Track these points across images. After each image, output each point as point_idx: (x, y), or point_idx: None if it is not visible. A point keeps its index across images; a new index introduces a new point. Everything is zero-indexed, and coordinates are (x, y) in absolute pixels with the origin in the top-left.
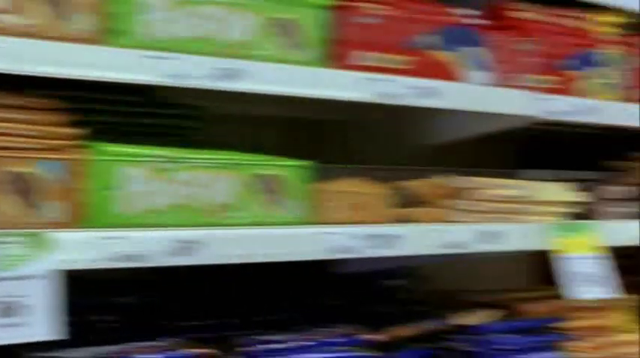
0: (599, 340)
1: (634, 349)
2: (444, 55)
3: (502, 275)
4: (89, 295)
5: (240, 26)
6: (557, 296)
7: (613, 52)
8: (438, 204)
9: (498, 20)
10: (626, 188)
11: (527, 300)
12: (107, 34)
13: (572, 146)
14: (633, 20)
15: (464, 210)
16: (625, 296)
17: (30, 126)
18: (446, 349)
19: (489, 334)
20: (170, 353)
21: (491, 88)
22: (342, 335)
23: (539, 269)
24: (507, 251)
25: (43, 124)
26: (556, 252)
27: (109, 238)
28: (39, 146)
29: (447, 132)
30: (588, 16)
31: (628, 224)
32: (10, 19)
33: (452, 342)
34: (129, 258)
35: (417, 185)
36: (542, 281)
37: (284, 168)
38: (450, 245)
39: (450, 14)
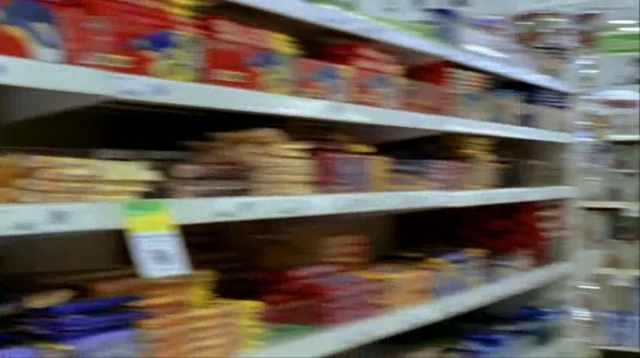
0: (175, 316)
1: (207, 323)
2: (11, 30)
3: (85, 255)
4: None
5: None
6: (134, 275)
7: (187, 33)
8: (6, 184)
9: None
10: (202, 167)
11: (103, 280)
12: None
13: (154, 126)
14: (207, 3)
15: (33, 190)
16: (199, 272)
17: None
18: (18, 333)
19: (60, 316)
20: None
21: (62, 66)
22: None
23: (121, 248)
24: (80, 231)
25: None
26: (129, 230)
27: None
28: None
29: (19, 110)
30: None
31: (203, 202)
32: None
33: (23, 325)
34: None
35: None
36: (124, 261)
37: None
38: (18, 226)
39: None
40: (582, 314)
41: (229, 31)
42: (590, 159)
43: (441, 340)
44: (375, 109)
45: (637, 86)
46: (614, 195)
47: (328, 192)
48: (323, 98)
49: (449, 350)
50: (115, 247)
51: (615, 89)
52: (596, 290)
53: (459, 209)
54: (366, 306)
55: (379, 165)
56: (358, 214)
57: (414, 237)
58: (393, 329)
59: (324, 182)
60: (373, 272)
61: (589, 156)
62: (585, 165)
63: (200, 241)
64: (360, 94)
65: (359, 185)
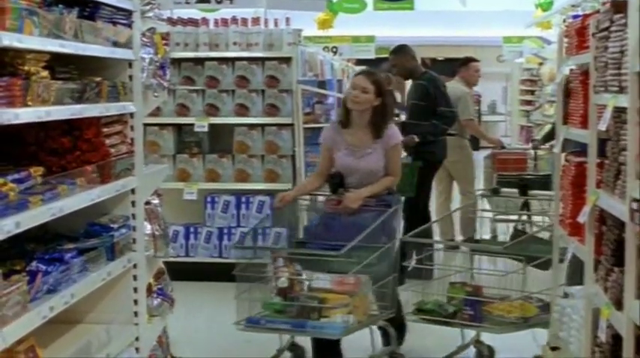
0: None
1: None
2: None
3: None
4: None
5: None
6: None
7: None
8: None
9: None
10: None
11: None
12: None
13: None
14: None
15: None
16: None
17: None
18: None
19: None
20: None
21: None
22: None
23: None
24: None
25: None
26: None
27: None
28: None
29: None
30: None
31: None
32: None
33: None
34: None
35: None
36: None
37: None
38: None
39: None
40: (150, 227)
41: None
42: (153, 75)
43: (4, 263)
44: None
45: (201, 5)
46: (181, 110)
47: None
48: None
49: (13, 272)
50: None
51: (179, 7)
52: (164, 203)
53: (19, 127)
54: None
55: None
56: None
57: None
58: None
59: None
60: None
61: (152, 72)
62: (151, 81)
63: None
64: None
65: None
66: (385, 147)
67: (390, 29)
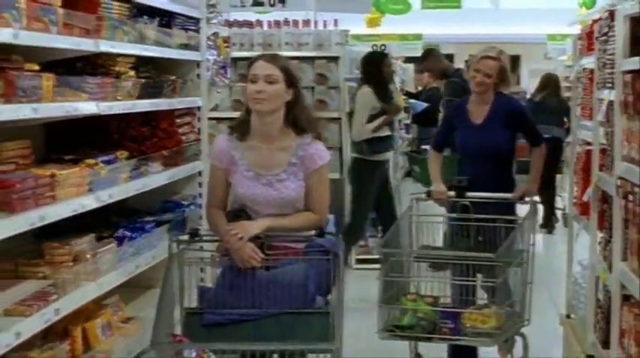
0: None
1: None
2: None
3: None
4: None
5: None
6: None
7: None
8: None
9: None
10: None
11: None
12: None
13: None
14: None
15: None
16: None
17: None
18: None
19: None
20: None
21: None
22: None
23: None
24: None
25: None
26: None
27: None
28: None
29: None
30: None
31: None
32: None
33: None
34: None
35: None
36: None
37: None
38: None
39: None
40: None
41: None
42: (216, 74)
43: (95, 230)
44: (44, 34)
45: (255, 8)
46: (237, 106)
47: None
48: (7, 26)
49: (102, 237)
50: None
51: (235, 10)
52: None
53: (107, 118)
54: (39, 197)
55: (48, 80)
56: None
57: (64, 143)
58: (62, 215)
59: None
60: (43, 170)
61: (215, 71)
62: (214, 79)
63: None
64: (32, 22)
65: (33, 97)
66: (305, 170)
67: (437, 27)
